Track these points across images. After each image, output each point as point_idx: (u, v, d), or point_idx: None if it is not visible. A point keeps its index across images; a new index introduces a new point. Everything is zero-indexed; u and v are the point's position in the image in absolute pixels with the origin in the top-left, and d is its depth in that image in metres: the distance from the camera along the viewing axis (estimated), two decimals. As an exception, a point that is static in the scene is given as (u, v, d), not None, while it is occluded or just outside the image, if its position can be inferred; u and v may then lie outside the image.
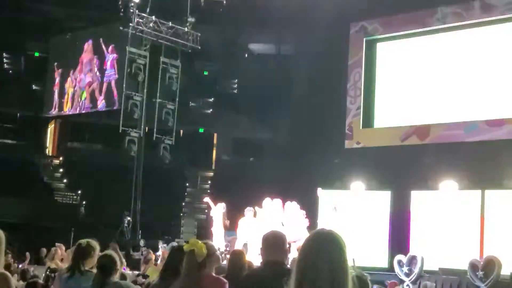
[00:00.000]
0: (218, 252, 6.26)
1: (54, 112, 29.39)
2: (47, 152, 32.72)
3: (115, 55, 26.03)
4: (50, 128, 32.99)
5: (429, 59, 22.04)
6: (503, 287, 15.37)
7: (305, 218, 18.12)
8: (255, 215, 18.46)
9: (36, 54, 31.50)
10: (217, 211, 19.00)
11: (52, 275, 7.59)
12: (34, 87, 31.16)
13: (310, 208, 19.26)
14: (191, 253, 5.44)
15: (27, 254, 16.64)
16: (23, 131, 31.07)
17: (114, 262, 5.88)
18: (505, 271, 16.15)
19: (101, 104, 26.71)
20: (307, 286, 2.78)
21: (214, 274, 5.72)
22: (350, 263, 2.92)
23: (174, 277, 5.58)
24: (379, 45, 23.71)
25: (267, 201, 18.70)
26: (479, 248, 18.24)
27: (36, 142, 31.73)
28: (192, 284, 5.41)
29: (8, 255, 14.65)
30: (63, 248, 14.07)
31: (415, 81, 22.20)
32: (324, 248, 2.82)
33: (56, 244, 15.29)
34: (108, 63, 26.39)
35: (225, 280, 5.58)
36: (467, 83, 20.86)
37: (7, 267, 11.85)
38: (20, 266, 15.03)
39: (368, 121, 23.27)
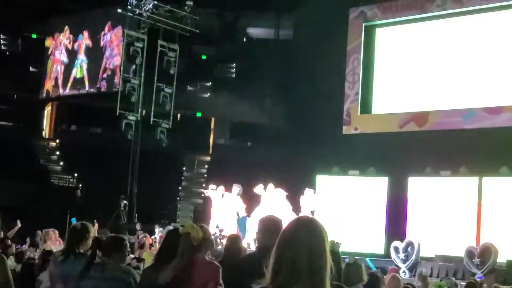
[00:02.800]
0: (213, 237, 6.23)
1: (50, 91, 29.29)
2: (43, 134, 32.63)
3: (118, 38, 25.91)
4: (47, 111, 32.88)
5: (428, 45, 21.95)
6: (499, 274, 15.39)
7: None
8: (239, 193, 18.58)
9: (34, 36, 31.35)
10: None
11: (48, 257, 7.53)
12: (31, 69, 31.02)
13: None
14: (187, 237, 5.40)
15: (28, 239, 16.63)
16: (20, 113, 30.95)
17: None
18: (501, 259, 16.19)
19: (103, 87, 26.65)
20: (285, 270, 2.81)
21: (208, 258, 5.68)
22: (335, 248, 2.92)
23: (169, 260, 5.55)
24: (378, 31, 23.60)
25: (270, 187, 18.71)
26: (475, 235, 18.27)
27: (32, 124, 31.62)
28: (186, 267, 5.37)
29: (6, 236, 14.62)
30: (56, 232, 14.02)
31: (414, 67, 22.11)
32: (304, 233, 2.86)
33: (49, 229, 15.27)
34: (110, 47, 26.27)
35: (218, 265, 5.55)
36: (466, 70, 20.79)
37: (5, 248, 11.83)
38: (19, 247, 15.00)
39: (366, 107, 23.21)
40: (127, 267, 5.92)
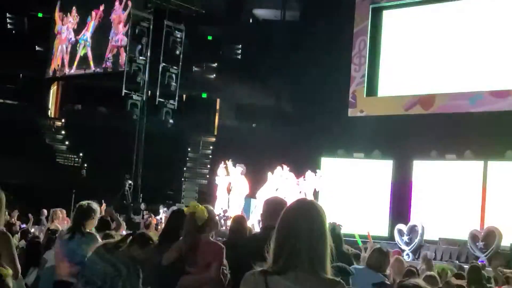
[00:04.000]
0: (217, 217, 6.23)
1: (57, 70, 29.27)
2: (49, 113, 32.67)
3: (124, 18, 25.81)
4: (53, 90, 32.89)
5: (435, 28, 21.81)
6: (503, 258, 15.40)
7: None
8: (242, 173, 18.57)
9: (40, 15, 31.27)
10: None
11: (53, 236, 7.56)
12: (37, 48, 30.96)
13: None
14: (191, 216, 5.41)
15: (30, 215, 16.67)
16: (25, 92, 30.96)
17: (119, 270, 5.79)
18: (505, 242, 16.21)
19: (109, 67, 26.60)
20: (286, 253, 2.84)
21: (212, 239, 5.69)
22: (336, 230, 2.96)
23: (173, 240, 5.56)
24: (385, 13, 23.46)
25: (278, 170, 18.72)
26: (480, 219, 18.27)
27: (38, 103, 31.64)
28: (190, 247, 5.38)
29: (14, 213, 14.68)
30: (64, 211, 14.06)
31: (421, 50, 22.00)
32: (304, 216, 2.89)
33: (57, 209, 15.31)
34: (116, 26, 26.18)
35: (222, 245, 5.56)
36: (473, 53, 20.66)
37: (10, 226, 11.89)
38: (23, 226, 15.08)
39: (372, 89, 23.14)
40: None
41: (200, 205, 5.56)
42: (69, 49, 29.01)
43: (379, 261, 6.67)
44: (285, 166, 18.81)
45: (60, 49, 29.45)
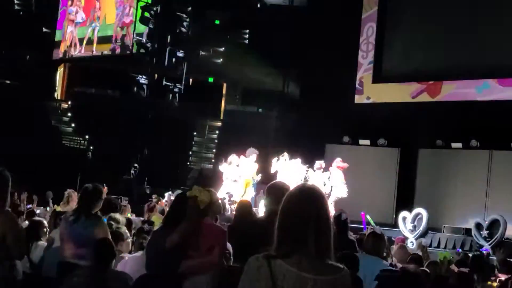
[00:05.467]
0: (220, 201, 6.24)
1: (67, 52, 29.28)
2: (55, 95, 32.69)
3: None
4: (59, 72, 32.89)
5: (444, 16, 21.69)
6: (507, 247, 15.41)
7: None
8: (256, 159, 18.40)
9: (46, -4, 31.27)
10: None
11: (58, 219, 7.60)
12: (44, 29, 30.94)
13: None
14: (194, 200, 5.42)
15: (35, 197, 16.73)
16: (32, 73, 30.97)
17: (111, 248, 5.76)
18: (510, 231, 16.22)
19: (118, 49, 26.58)
20: (291, 237, 2.87)
21: (214, 222, 5.70)
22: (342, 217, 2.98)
23: (176, 224, 5.58)
24: (393, 0, 23.34)
25: (285, 156, 18.58)
26: (484, 208, 18.25)
27: (45, 85, 31.66)
28: (193, 230, 5.40)
29: (23, 195, 14.73)
30: (76, 193, 14.11)
31: (429, 37, 21.88)
32: (309, 201, 2.92)
33: (68, 190, 15.35)
34: (123, 8, 26.15)
35: (224, 229, 5.57)
36: (481, 40, 20.54)
37: (15, 207, 11.94)
38: (28, 206, 15.14)
39: (379, 76, 23.05)
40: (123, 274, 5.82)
41: (202, 189, 5.57)
42: (77, 31, 28.99)
43: (376, 245, 6.64)
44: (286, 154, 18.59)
45: (69, 31, 29.43)
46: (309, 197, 2.94)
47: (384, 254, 6.79)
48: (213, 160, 29.23)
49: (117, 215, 7.12)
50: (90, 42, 28.16)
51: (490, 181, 18.61)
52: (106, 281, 5.39)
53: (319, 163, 18.01)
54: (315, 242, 2.86)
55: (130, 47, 24.85)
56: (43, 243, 7.16)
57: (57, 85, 32.88)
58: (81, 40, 28.62)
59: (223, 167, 18.54)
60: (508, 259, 9.67)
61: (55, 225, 7.37)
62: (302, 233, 2.86)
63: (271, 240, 2.93)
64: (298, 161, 18.28)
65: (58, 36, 30.35)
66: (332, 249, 2.90)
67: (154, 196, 20.08)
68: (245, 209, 7.01)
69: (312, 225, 2.87)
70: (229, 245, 5.56)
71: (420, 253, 10.19)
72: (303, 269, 2.83)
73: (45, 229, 7.54)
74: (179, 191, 16.61)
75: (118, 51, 26.48)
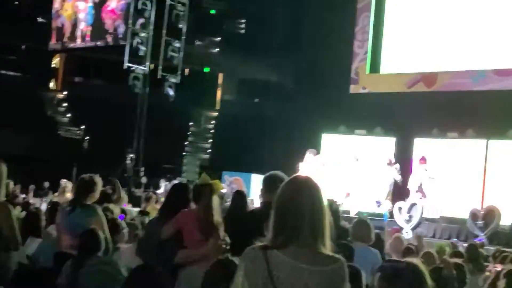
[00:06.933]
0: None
1: (57, 43, 29.13)
2: (51, 86, 32.62)
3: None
4: (55, 62, 32.80)
5: (439, 5, 21.66)
6: (502, 237, 15.47)
7: None
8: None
9: (41, -14, 31.11)
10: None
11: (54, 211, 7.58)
12: (39, 19, 30.84)
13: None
14: (209, 187, 5.43)
15: (31, 187, 16.74)
16: (28, 64, 30.91)
17: (96, 239, 5.71)
18: (504, 222, 16.26)
19: (110, 38, 26.43)
20: (288, 228, 2.87)
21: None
22: (333, 207, 3.02)
23: (173, 214, 5.58)
24: (389, -11, 23.30)
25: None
26: (480, 198, 18.28)
27: (40, 75, 31.59)
28: (207, 218, 5.43)
29: (16, 186, 14.74)
30: (70, 183, 14.15)
31: (425, 27, 21.86)
32: (305, 193, 2.93)
33: (63, 180, 15.35)
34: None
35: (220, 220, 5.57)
36: (477, 31, 20.53)
37: (14, 198, 11.94)
38: (24, 197, 15.15)
39: (375, 66, 23.05)
40: (109, 259, 5.76)
41: (209, 178, 5.59)
42: (72, 22, 28.87)
43: (364, 232, 6.81)
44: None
45: (64, 21, 29.30)
46: (304, 188, 2.95)
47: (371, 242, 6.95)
48: (209, 150, 29.24)
49: (111, 206, 7.12)
50: (84, 33, 28.02)
51: (486, 171, 18.62)
52: (91, 268, 5.36)
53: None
54: (310, 233, 2.86)
55: (125, 38, 24.73)
56: (39, 239, 7.15)
57: (52, 76, 32.80)
58: (74, 31, 28.46)
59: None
60: (503, 249, 9.71)
61: (51, 218, 7.36)
62: (298, 224, 2.86)
63: (266, 231, 2.94)
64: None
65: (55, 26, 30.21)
66: (327, 239, 2.91)
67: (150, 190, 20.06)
68: (240, 200, 7.02)
69: (307, 216, 2.87)
70: (226, 236, 5.56)
71: (416, 243, 10.24)
72: (299, 259, 2.83)
73: (43, 222, 7.51)
74: (175, 181, 16.66)
75: (112, 42, 26.31)
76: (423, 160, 17.97)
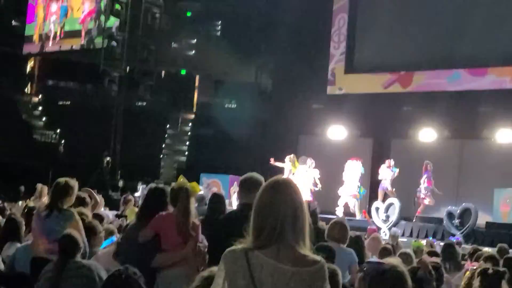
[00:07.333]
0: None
1: (34, 47, 28.94)
2: (26, 89, 32.34)
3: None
4: (30, 65, 32.54)
5: (415, 6, 21.82)
6: (478, 236, 15.61)
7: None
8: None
9: (16, -11, 30.87)
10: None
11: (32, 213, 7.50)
12: (13, 23, 30.56)
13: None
14: (187, 190, 5.42)
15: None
16: (2, 68, 30.60)
17: (76, 242, 5.66)
18: (480, 220, 16.41)
19: (83, 41, 26.31)
20: (268, 229, 2.88)
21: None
22: (311, 207, 3.03)
23: (150, 217, 5.56)
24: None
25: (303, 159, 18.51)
26: (455, 197, 18.43)
27: (15, 79, 31.30)
28: (184, 221, 5.41)
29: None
30: (46, 188, 13.97)
31: (400, 28, 22.00)
32: (286, 194, 2.95)
33: (39, 184, 15.18)
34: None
35: (198, 222, 5.56)
36: (451, 31, 20.70)
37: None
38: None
39: (351, 67, 23.14)
40: (89, 263, 5.73)
41: (186, 180, 5.57)
42: (47, 25, 28.68)
43: (342, 234, 6.88)
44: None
45: (39, 24, 29.10)
46: (285, 189, 2.96)
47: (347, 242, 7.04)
48: (186, 153, 29.17)
49: (84, 210, 7.06)
50: (59, 36, 27.84)
51: (461, 171, 18.79)
52: (70, 272, 5.33)
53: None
54: (292, 234, 2.88)
55: (100, 41, 24.60)
56: (17, 244, 7.08)
57: (27, 79, 32.52)
58: (49, 35, 28.28)
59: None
60: (479, 247, 9.79)
61: (27, 222, 7.29)
62: (279, 225, 2.88)
63: (246, 232, 2.94)
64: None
65: (28, 30, 29.98)
66: (307, 240, 2.93)
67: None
68: (218, 202, 7.02)
69: (288, 217, 2.89)
70: (204, 238, 5.55)
71: (391, 243, 10.30)
72: (281, 260, 2.85)
73: (22, 229, 7.44)
74: (152, 184, 16.58)
75: (87, 45, 26.19)
76: (388, 164, 18.21)
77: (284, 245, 2.86)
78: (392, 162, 18.22)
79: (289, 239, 2.87)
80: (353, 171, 18.57)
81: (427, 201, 17.51)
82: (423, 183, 17.60)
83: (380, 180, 18.27)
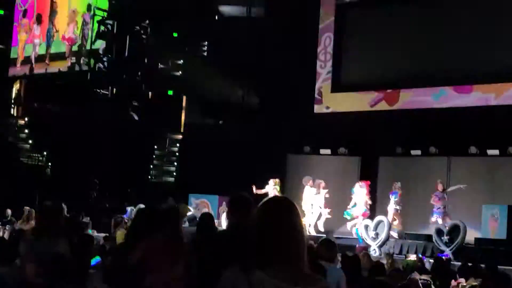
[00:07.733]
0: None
1: (18, 69, 28.87)
2: (12, 112, 32.21)
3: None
4: (16, 88, 32.44)
5: (400, 24, 21.99)
6: (467, 252, 15.63)
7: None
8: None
9: (1, 12, 30.81)
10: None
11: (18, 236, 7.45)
12: (-1, 46, 30.55)
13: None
14: (175, 212, 5.39)
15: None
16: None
17: (67, 266, 5.64)
18: (470, 237, 16.45)
19: (70, 63, 26.31)
20: (270, 248, 2.88)
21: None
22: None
23: (139, 239, 5.52)
24: (350, 10, 23.57)
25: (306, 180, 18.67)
26: (444, 214, 18.45)
27: (1, 102, 31.18)
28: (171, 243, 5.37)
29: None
30: (33, 211, 13.90)
31: (386, 46, 22.14)
32: (286, 212, 2.96)
33: (26, 207, 15.11)
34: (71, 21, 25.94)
35: (187, 244, 5.53)
36: (436, 49, 20.85)
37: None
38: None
39: (337, 86, 23.24)
40: None
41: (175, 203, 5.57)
42: (33, 48, 28.66)
43: (330, 252, 6.86)
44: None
45: (23, 47, 29.08)
46: (286, 209, 2.97)
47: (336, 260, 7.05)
48: (174, 174, 29.08)
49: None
50: (44, 59, 27.81)
51: (449, 187, 18.85)
52: None
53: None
54: (292, 252, 2.87)
55: (87, 63, 24.62)
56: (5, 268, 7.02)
57: (13, 102, 32.40)
58: (35, 57, 28.26)
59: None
60: (468, 264, 9.79)
61: (14, 246, 7.23)
62: (280, 244, 2.87)
63: (236, 253, 2.92)
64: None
65: (13, 53, 29.95)
66: (305, 259, 2.92)
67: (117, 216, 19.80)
68: (207, 222, 6.98)
69: (289, 235, 2.89)
70: (194, 259, 5.52)
71: (385, 261, 10.29)
72: (283, 279, 2.82)
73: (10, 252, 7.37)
74: (141, 205, 16.51)
75: (74, 67, 26.19)
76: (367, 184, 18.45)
77: (285, 263, 2.85)
78: (398, 184, 18.41)
79: (290, 258, 2.86)
80: (361, 193, 18.65)
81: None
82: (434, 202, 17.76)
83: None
